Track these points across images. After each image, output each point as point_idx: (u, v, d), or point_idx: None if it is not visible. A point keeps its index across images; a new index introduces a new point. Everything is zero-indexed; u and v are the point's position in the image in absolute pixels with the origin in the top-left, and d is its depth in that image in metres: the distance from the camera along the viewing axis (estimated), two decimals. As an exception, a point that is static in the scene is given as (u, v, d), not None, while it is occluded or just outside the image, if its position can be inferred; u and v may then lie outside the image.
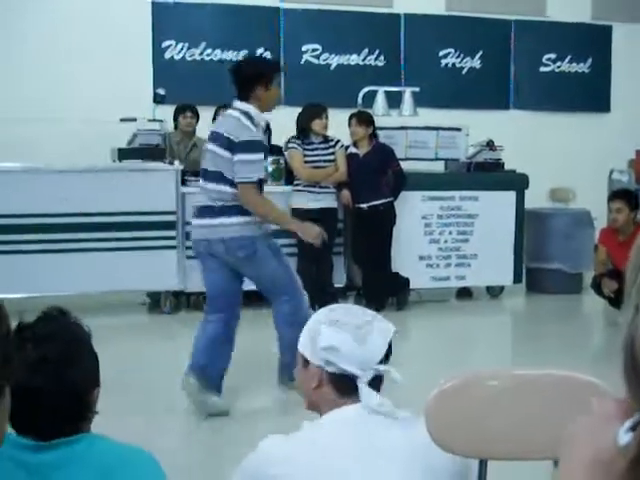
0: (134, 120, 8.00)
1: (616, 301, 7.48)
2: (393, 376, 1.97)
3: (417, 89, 8.87)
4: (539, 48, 10.74)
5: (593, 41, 10.95)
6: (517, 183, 8.54)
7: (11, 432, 1.76)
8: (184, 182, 7.76)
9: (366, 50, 10.16)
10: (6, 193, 7.31)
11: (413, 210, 8.20)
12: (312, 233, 5.30)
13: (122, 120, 7.97)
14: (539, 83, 10.75)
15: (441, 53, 10.43)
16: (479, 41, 10.50)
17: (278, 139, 8.21)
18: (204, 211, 5.07)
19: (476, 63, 10.54)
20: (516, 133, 9.97)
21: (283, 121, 8.54)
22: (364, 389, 1.94)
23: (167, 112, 8.30)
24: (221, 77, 9.59)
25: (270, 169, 7.93)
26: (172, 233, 7.68)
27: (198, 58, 9.70)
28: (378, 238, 7.82)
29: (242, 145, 4.92)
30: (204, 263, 5.13)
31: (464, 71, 10.52)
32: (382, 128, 8.27)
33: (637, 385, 0.87)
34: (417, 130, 8.66)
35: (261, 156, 4.99)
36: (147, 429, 4.73)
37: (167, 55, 9.61)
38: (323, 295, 6.88)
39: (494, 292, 8.70)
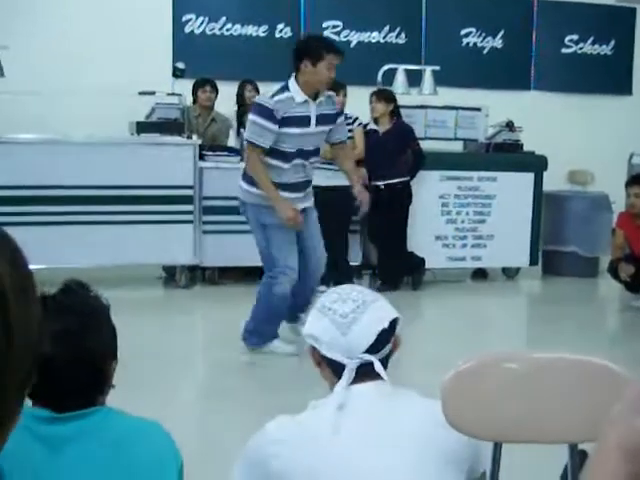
0: (153, 94, 7.99)
1: (632, 285, 7.46)
2: (377, 368, 1.92)
3: (437, 68, 8.82)
4: (561, 29, 10.65)
5: (616, 23, 10.84)
6: (536, 165, 8.50)
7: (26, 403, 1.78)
8: (202, 157, 7.76)
9: (387, 27, 10.10)
10: (25, 165, 7.33)
11: (431, 190, 8.18)
12: (284, 215, 5.38)
13: (141, 93, 7.96)
14: (561, 64, 10.66)
15: (462, 32, 10.35)
16: (501, 21, 10.42)
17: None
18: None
19: (497, 43, 10.47)
20: (536, 114, 9.89)
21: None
22: (345, 376, 1.91)
23: (186, 86, 8.28)
24: (241, 52, 9.63)
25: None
26: (189, 207, 7.68)
27: (218, 32, 9.67)
28: (394, 217, 7.81)
29: (253, 106, 5.39)
30: None
31: (485, 51, 10.45)
32: (401, 107, 8.23)
33: None
34: (436, 109, 8.63)
35: (265, 123, 5.10)
36: (161, 403, 4.75)
37: (187, 29, 9.59)
38: (337, 273, 6.88)
39: (510, 273, 8.68)
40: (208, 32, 9.64)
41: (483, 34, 10.42)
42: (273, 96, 5.24)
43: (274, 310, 5.53)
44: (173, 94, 8.02)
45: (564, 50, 10.73)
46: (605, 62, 10.85)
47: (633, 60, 10.98)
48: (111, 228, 7.53)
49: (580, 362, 2.00)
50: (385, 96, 7.87)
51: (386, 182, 7.75)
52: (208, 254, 7.76)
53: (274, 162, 5.35)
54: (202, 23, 9.62)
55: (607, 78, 10.81)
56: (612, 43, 10.88)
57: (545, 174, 8.51)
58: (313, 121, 5.39)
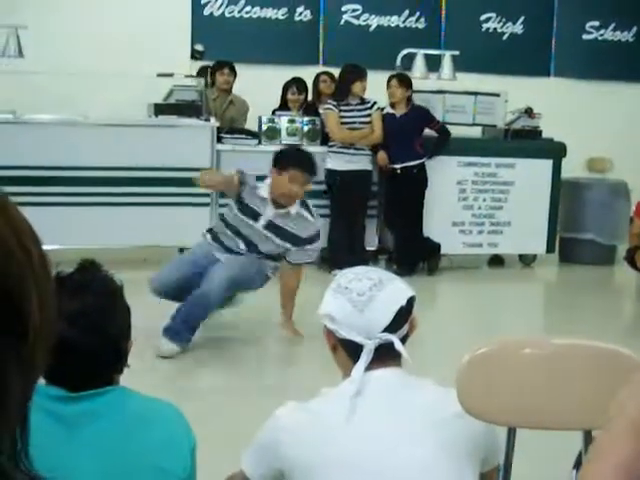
0: (171, 75, 7.99)
1: (649, 274, 7.42)
2: (397, 347, 1.89)
3: (457, 53, 8.77)
4: (582, 15, 10.56)
5: (638, 9, 10.74)
6: (554, 152, 8.45)
7: (41, 382, 1.78)
8: (219, 139, 7.75)
9: (407, 12, 10.05)
10: (43, 145, 7.35)
11: (448, 175, 8.15)
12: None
13: (159, 75, 7.96)
14: (581, 51, 10.58)
15: (482, 17, 10.29)
16: (521, 6, 10.35)
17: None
18: None
19: (518, 28, 10.40)
20: (555, 101, 9.83)
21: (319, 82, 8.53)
22: (364, 357, 1.88)
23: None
24: (260, 35, 9.61)
25: (306, 129, 7.93)
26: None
27: (237, 15, 9.65)
28: (410, 202, 7.80)
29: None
30: None
31: (505, 36, 10.39)
32: (420, 91, 8.21)
33: None
34: (455, 95, 8.58)
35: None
36: (175, 384, 4.77)
37: (206, 11, 9.57)
38: (353, 258, 6.88)
39: (526, 260, 8.64)
40: (227, 14, 9.62)
41: (503, 19, 10.35)
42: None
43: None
44: (191, 76, 8.02)
45: (585, 36, 10.65)
46: (626, 49, 10.76)
47: (654, 47, 10.89)
48: (128, 210, 7.55)
49: (596, 349, 1.99)
50: (407, 82, 7.86)
51: (403, 165, 7.74)
52: (224, 237, 7.77)
53: (239, 216, 5.39)
54: (221, 5, 9.60)
55: (628, 65, 10.72)
56: (634, 30, 10.78)
57: (564, 161, 8.47)
58: (262, 222, 5.34)
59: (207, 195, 7.68)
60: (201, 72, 8.32)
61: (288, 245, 5.36)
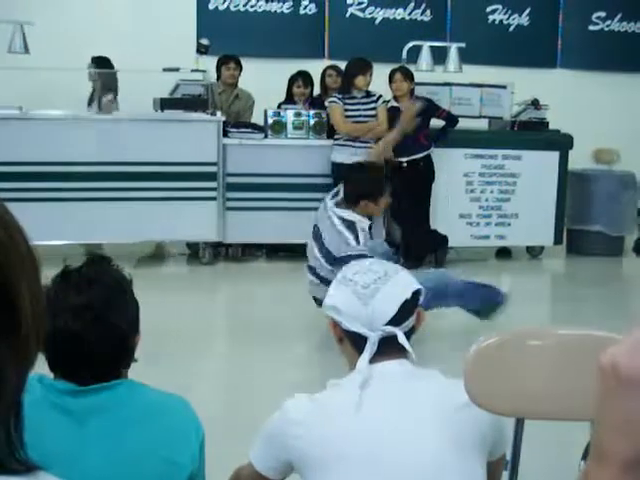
0: (177, 70, 7.99)
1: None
2: (400, 340, 1.89)
3: (463, 45, 8.74)
4: (589, 6, 10.52)
5: (645, 0, 10.71)
6: (561, 143, 8.43)
7: (45, 376, 1.79)
8: (226, 133, 7.76)
9: (412, 4, 10.03)
10: (49, 141, 7.35)
11: (455, 167, 8.14)
12: None
13: (165, 70, 7.96)
14: (588, 42, 10.54)
15: (488, 9, 10.26)
16: (527, -3, 10.33)
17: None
18: None
19: (524, 20, 10.37)
20: (562, 92, 9.81)
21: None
22: (367, 350, 1.88)
23: (210, 63, 8.27)
24: (265, 28, 9.60)
25: (312, 122, 7.93)
26: (213, 184, 7.69)
27: (242, 9, 9.64)
28: (417, 195, 7.78)
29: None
30: None
31: (511, 28, 10.35)
32: (426, 84, 8.20)
33: None
34: (461, 87, 8.56)
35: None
36: (183, 377, 4.78)
37: (211, 5, 9.56)
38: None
39: (534, 252, 8.63)
40: (232, 8, 9.62)
41: (509, 11, 10.32)
42: None
43: None
44: (197, 70, 8.01)
45: (591, 27, 10.61)
46: (633, 40, 10.71)
47: (661, 38, 10.85)
48: (135, 205, 7.55)
49: (607, 340, 1.98)
50: (411, 75, 7.85)
51: (409, 158, 7.73)
52: (231, 231, 7.78)
53: None
54: (226, -1, 9.60)
55: (635, 56, 10.67)
56: (641, 20, 10.74)
57: (571, 153, 8.45)
58: None
59: (214, 189, 7.68)
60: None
61: None
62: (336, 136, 7.74)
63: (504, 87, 8.59)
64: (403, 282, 1.94)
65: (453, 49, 8.72)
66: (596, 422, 0.89)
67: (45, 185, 7.35)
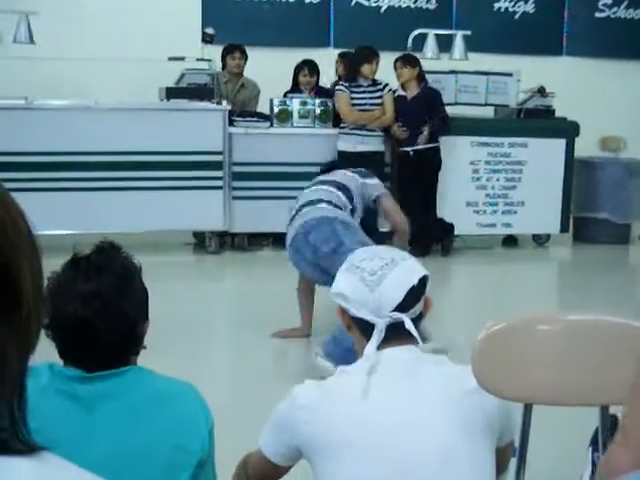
0: (182, 59, 7.98)
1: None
2: (407, 326, 1.89)
3: (468, 33, 8.71)
4: (595, -7, 10.49)
5: (651, -13, 10.66)
6: (567, 131, 8.41)
7: (56, 363, 1.79)
8: (231, 122, 7.75)
9: (418, -8, 10.00)
10: (55, 131, 7.36)
11: (461, 156, 8.13)
12: None
13: (170, 59, 7.96)
14: (594, 29, 10.50)
15: (494, -4, 10.23)
16: (533, -15, 10.28)
17: (326, 81, 8.15)
18: None
19: (530, 7, 10.32)
20: (568, 80, 9.77)
21: (332, 63, 8.51)
22: (375, 336, 1.89)
23: (216, 52, 8.26)
24: (270, 18, 9.58)
25: (318, 111, 7.92)
26: (219, 173, 7.69)
27: (248, -2, 9.62)
28: (423, 183, 7.78)
29: None
30: None
31: (517, 15, 10.31)
32: (432, 72, 8.17)
33: None
34: (467, 75, 8.55)
35: None
36: (191, 365, 4.79)
37: (217, -6, 9.54)
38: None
39: (540, 240, 8.62)
40: (238, -3, 9.59)
41: (515, -2, 10.29)
42: None
43: None
44: (203, 59, 8.01)
45: (597, 14, 10.57)
46: (639, 27, 10.67)
47: (668, 24, 10.80)
48: (141, 194, 7.56)
49: (615, 325, 1.98)
50: (409, 61, 7.82)
51: (415, 147, 7.72)
52: (237, 220, 7.78)
53: None
54: (232, -12, 9.57)
55: (641, 43, 10.64)
56: (647, 7, 10.70)
57: (577, 140, 8.43)
58: None
59: (219, 178, 7.69)
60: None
61: None
62: (342, 124, 7.73)
63: (510, 75, 8.57)
64: (410, 269, 1.94)
65: (459, 37, 8.70)
66: (628, 406, 0.89)
67: (50, 175, 7.36)
